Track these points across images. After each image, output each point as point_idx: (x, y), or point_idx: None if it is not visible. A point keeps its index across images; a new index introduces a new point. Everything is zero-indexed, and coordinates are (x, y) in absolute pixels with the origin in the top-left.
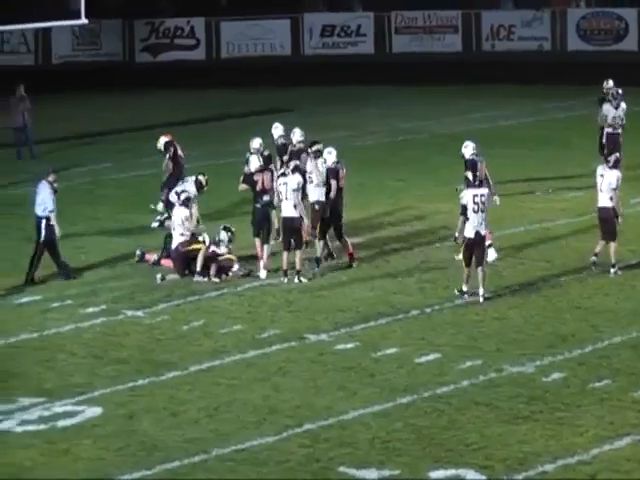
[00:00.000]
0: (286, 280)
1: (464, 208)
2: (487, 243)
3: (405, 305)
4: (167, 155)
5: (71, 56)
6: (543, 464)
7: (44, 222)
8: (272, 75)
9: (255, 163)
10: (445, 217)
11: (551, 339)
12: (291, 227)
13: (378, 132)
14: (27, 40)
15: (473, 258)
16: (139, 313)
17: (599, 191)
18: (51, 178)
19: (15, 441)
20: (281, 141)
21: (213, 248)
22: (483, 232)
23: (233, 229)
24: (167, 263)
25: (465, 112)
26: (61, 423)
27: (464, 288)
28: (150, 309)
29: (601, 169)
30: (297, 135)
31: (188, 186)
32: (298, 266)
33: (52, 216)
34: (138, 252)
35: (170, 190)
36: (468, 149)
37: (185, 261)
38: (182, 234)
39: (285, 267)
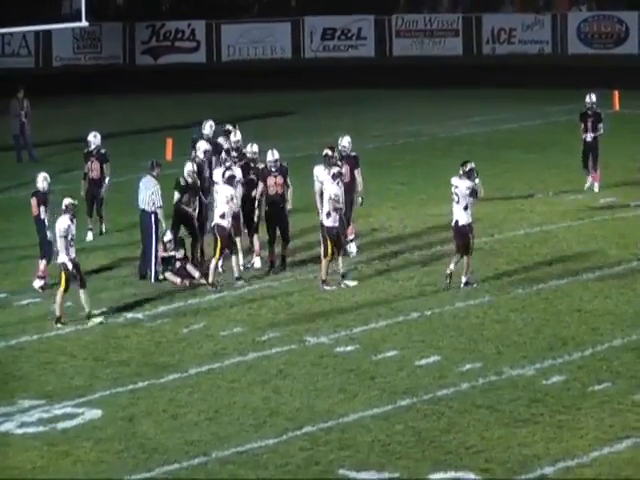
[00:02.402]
0: (328, 288)
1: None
2: (350, 237)
3: (405, 308)
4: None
5: (72, 59)
6: (543, 467)
7: (153, 217)
8: (273, 78)
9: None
10: (447, 220)
11: (551, 342)
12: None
13: (379, 135)
14: (28, 43)
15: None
16: (139, 316)
17: None
18: (155, 172)
19: (15, 443)
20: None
21: (172, 253)
22: (462, 222)
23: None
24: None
25: (466, 115)
26: (61, 425)
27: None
28: (150, 312)
29: None
30: (254, 147)
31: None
32: (341, 269)
33: (159, 212)
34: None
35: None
36: (350, 145)
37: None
38: (223, 215)
39: (324, 277)
